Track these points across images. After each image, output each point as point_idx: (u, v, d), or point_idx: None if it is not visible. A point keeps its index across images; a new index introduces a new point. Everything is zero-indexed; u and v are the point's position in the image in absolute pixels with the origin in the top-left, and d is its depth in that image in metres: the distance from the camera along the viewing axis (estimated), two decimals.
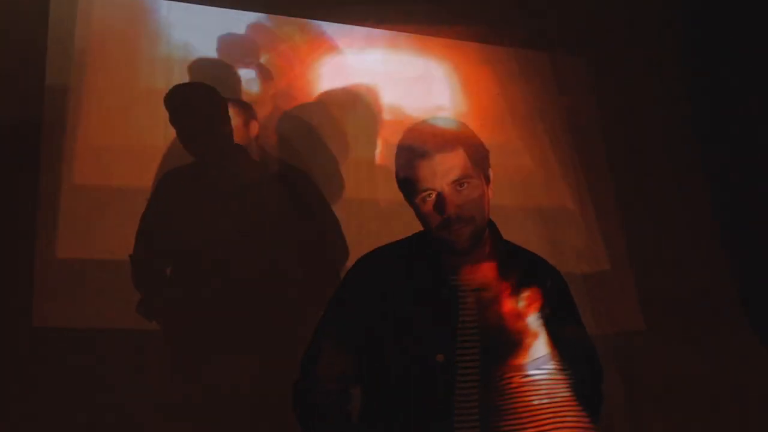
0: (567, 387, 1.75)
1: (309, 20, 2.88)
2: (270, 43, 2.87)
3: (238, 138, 2.71)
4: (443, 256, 1.80)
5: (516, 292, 1.75)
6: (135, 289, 2.61)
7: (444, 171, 1.71)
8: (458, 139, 1.76)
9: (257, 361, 2.53)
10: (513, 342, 1.74)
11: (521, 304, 1.74)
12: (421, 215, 1.77)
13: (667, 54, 3.17)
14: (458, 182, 1.71)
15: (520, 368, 1.74)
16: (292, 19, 2.89)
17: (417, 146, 1.76)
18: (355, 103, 2.88)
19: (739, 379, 2.80)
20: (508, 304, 1.76)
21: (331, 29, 2.88)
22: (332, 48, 2.88)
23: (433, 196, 1.72)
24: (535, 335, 1.74)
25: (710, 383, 2.80)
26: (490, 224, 1.85)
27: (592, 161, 3.10)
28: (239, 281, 2.56)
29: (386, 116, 2.87)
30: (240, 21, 2.89)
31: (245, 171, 2.68)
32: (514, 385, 1.73)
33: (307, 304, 2.50)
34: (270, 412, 2.45)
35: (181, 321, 2.62)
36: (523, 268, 1.84)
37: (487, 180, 1.79)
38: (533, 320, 1.74)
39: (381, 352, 1.84)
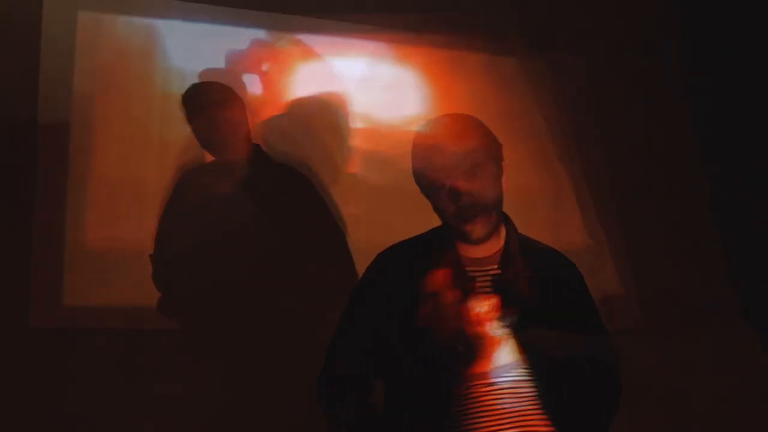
0: (534, 394, 1.74)
1: (280, 30, 2.88)
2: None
3: None
4: (460, 248, 1.82)
5: (469, 297, 1.74)
6: (156, 288, 2.63)
7: (457, 161, 1.75)
8: (471, 131, 1.79)
9: (273, 359, 2.53)
10: (473, 349, 1.73)
11: (479, 310, 1.73)
12: (437, 207, 1.80)
13: (667, 53, 3.17)
14: (471, 172, 1.74)
15: (482, 376, 1.73)
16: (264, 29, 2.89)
17: (431, 140, 1.78)
18: (326, 111, 2.89)
19: (738, 379, 2.80)
20: (464, 311, 1.76)
21: (304, 38, 2.89)
22: (305, 56, 2.89)
23: (448, 185, 1.75)
24: (499, 342, 1.74)
25: (710, 383, 2.80)
26: (505, 217, 1.87)
27: (590, 161, 3.10)
28: (255, 280, 2.58)
29: (358, 124, 2.89)
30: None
31: (262, 169, 2.68)
32: (477, 394, 1.72)
33: (323, 301, 2.52)
34: (281, 411, 2.49)
35: (195, 319, 2.64)
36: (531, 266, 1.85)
37: (501, 172, 1.81)
38: (495, 327, 1.73)
39: (399, 343, 1.85)
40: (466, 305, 1.72)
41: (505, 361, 1.73)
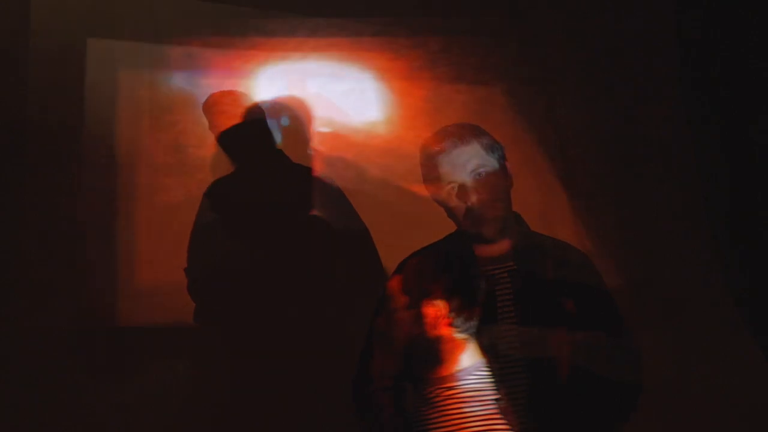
0: (496, 395, 1.75)
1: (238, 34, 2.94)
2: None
3: None
4: (475, 248, 1.87)
5: (420, 303, 1.76)
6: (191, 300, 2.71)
7: (462, 163, 1.84)
8: (472, 133, 1.88)
9: (304, 365, 2.60)
10: (432, 353, 1.76)
11: (432, 314, 1.75)
12: (449, 210, 1.87)
13: (663, 51, 3.17)
14: (477, 172, 1.83)
15: (444, 380, 1.75)
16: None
17: (436, 147, 1.86)
18: (287, 115, 2.94)
19: (732, 375, 2.78)
20: (417, 315, 1.78)
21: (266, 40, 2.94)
22: (265, 58, 2.94)
23: (456, 187, 1.81)
24: (459, 345, 1.76)
25: (703, 379, 2.78)
26: (517, 216, 1.92)
27: (585, 161, 3.10)
28: (285, 286, 2.65)
29: (321, 128, 2.94)
30: None
31: (286, 175, 2.76)
32: (441, 397, 1.74)
33: (352, 305, 2.59)
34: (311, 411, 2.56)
35: (228, 327, 2.71)
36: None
37: (505, 172, 1.87)
38: (454, 331, 1.75)
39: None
40: (420, 310, 1.75)
41: (468, 364, 1.75)
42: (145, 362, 2.68)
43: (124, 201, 2.78)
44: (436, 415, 1.74)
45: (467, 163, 1.88)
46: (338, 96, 2.93)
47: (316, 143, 2.91)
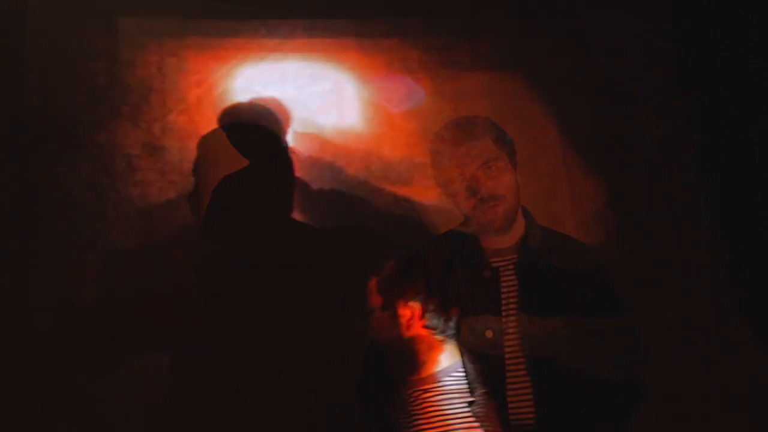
0: (470, 398, 1.74)
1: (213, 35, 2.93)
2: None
3: None
4: (482, 240, 1.88)
5: (394, 304, 1.76)
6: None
7: (473, 156, 1.85)
8: (482, 127, 1.90)
9: (304, 365, 2.56)
10: (409, 355, 1.75)
11: (407, 315, 1.75)
12: (458, 203, 1.88)
13: (663, 51, 3.16)
14: (487, 165, 1.83)
15: (423, 381, 1.74)
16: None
17: (446, 141, 1.86)
18: (266, 116, 2.92)
19: (737, 379, 2.77)
20: (393, 316, 1.77)
21: (241, 42, 2.94)
22: (243, 59, 2.93)
23: (467, 180, 1.82)
24: (437, 346, 1.75)
25: (709, 383, 2.77)
26: (524, 209, 1.93)
27: (585, 160, 3.09)
28: (296, 281, 2.61)
29: (298, 129, 2.91)
30: None
31: (294, 170, 2.76)
32: (421, 398, 1.73)
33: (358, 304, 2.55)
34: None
35: (233, 324, 2.68)
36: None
37: (515, 165, 1.88)
38: (430, 331, 1.75)
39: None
40: (396, 311, 1.75)
41: (447, 364, 1.74)
42: (144, 362, 2.67)
43: (110, 201, 2.79)
44: (416, 416, 1.73)
45: (478, 156, 1.91)
46: (317, 97, 2.92)
47: (296, 144, 2.90)
